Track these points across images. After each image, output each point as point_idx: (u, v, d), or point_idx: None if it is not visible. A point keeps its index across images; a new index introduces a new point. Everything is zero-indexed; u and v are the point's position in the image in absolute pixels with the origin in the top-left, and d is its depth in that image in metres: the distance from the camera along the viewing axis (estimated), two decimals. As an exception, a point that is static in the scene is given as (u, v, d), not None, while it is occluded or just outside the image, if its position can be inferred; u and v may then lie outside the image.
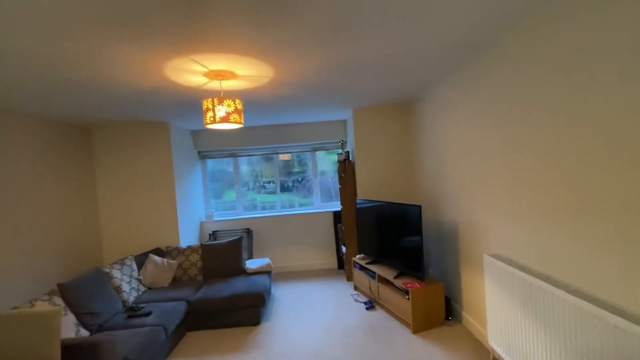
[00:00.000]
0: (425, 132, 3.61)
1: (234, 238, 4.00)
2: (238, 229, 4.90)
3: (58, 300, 2.49)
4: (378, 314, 3.31)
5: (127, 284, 3.23)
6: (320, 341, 2.86)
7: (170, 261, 3.76)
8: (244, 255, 4.40)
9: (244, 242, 4.63)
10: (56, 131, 3.53)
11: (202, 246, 3.92)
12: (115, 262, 3.30)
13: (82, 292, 2.70)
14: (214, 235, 4.78)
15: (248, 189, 5.24)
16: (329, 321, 3.22)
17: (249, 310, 3.25)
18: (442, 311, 3.00)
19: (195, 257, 3.86)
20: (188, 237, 4.39)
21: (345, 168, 4.25)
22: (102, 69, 2.14)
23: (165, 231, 4.12)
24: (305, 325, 3.19)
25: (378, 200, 3.92)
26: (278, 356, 2.67)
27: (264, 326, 3.24)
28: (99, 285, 2.89)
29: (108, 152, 4.10)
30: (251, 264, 3.94)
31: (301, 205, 5.24)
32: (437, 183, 3.35)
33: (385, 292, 3.32)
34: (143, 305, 3.02)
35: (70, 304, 2.57)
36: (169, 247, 4.00)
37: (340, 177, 4.31)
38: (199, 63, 2.16)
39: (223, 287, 3.39)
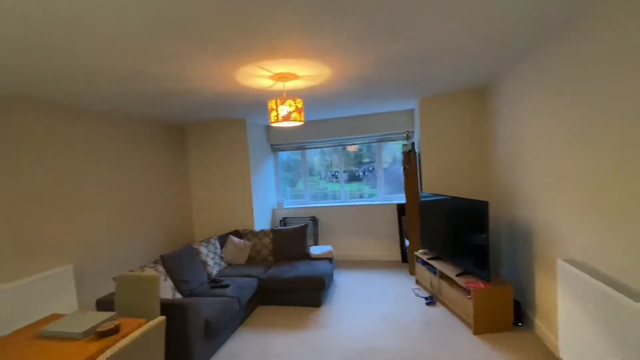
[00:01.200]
0: (499, 122, 3.30)
1: (301, 225, 4.31)
2: (305, 216, 5.23)
3: (160, 268, 3.11)
4: (438, 310, 3.24)
5: (212, 260, 3.81)
6: (376, 329, 2.96)
7: (246, 242, 4.28)
8: (309, 241, 4.70)
9: (310, 229, 4.94)
10: (159, 131, 4.29)
11: (273, 231, 4.33)
12: (203, 241, 3.92)
13: (178, 263, 3.30)
14: (284, 221, 5.21)
15: (320, 178, 5.50)
16: (387, 311, 3.28)
17: (311, 292, 3.52)
18: (510, 315, 2.78)
19: (267, 240, 4.30)
20: (261, 221, 4.89)
21: (410, 160, 4.15)
22: (187, 80, 2.55)
23: (242, 216, 4.66)
24: (362, 311, 3.31)
25: (443, 194, 3.75)
26: (335, 337, 2.87)
27: (324, 308, 3.47)
28: (190, 259, 3.49)
29: (197, 147, 4.79)
30: (315, 250, 4.20)
31: (370, 195, 5.30)
32: (512, 179, 3.05)
33: (446, 289, 3.22)
34: (223, 278, 3.54)
35: (168, 272, 3.18)
36: (245, 230, 4.54)
37: (404, 169, 4.23)
38: (264, 68, 2.40)
39: (289, 269, 3.73)
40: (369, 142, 5.16)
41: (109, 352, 1.32)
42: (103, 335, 1.72)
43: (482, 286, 2.80)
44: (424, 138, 4.04)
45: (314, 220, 5.12)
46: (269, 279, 3.58)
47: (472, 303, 2.76)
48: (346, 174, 5.38)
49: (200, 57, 2.08)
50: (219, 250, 4.05)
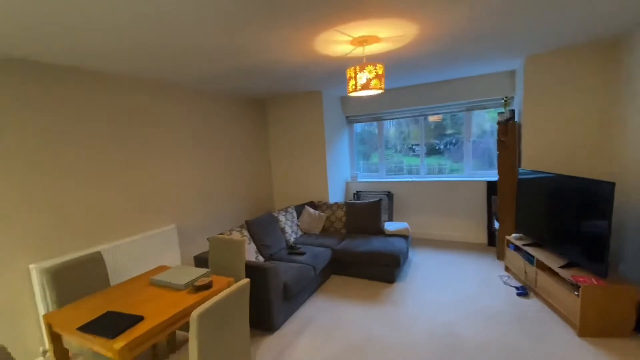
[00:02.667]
0: (636, 85, 2.55)
1: (374, 200, 4.20)
2: (379, 191, 5.08)
3: (245, 232, 3.39)
4: (532, 303, 2.86)
5: (289, 228, 4.01)
6: (455, 314, 2.76)
7: (321, 213, 4.37)
8: (383, 217, 4.57)
9: (384, 204, 4.79)
10: (243, 106, 4.54)
11: (347, 204, 4.32)
12: (282, 210, 4.13)
13: (260, 229, 3.55)
14: (357, 194, 5.16)
15: (395, 151, 5.23)
16: (468, 297, 3.03)
17: (384, 268, 3.45)
18: (631, 320, 2.29)
19: (340, 213, 4.32)
20: (335, 194, 4.91)
21: (507, 130, 3.59)
22: (268, 52, 2.56)
23: (317, 188, 4.75)
24: (440, 294, 3.13)
25: (550, 171, 3.17)
26: (410, 316, 2.78)
27: (397, 285, 3.39)
28: (271, 226, 3.72)
29: (276, 121, 4.95)
30: (389, 226, 4.07)
31: (452, 171, 4.85)
32: (653, 153, 2.38)
33: (545, 281, 2.79)
34: (300, 246, 3.71)
35: (252, 236, 3.45)
36: (320, 201, 4.63)
37: (499, 142, 3.69)
38: (344, 33, 2.25)
39: (362, 242, 3.70)
40: (456, 111, 4.62)
41: (204, 306, 1.47)
42: (199, 289, 1.95)
43: (595, 282, 2.34)
44: (528, 105, 3.41)
45: (389, 195, 4.93)
46: (343, 251, 3.62)
47: (579, 300, 2.34)
48: (425, 147, 4.97)
49: (281, 27, 2.03)
50: (295, 220, 4.23)
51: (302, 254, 3.47)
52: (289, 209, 4.23)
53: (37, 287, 2.32)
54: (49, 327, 1.78)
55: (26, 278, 2.32)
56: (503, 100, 3.96)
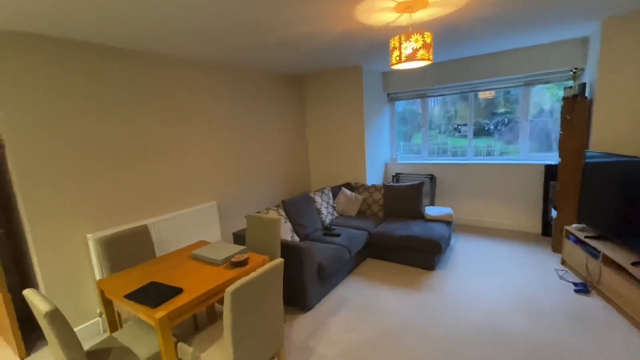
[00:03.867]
0: None
1: (415, 182, 3.98)
2: (421, 173, 4.82)
3: (281, 212, 3.40)
4: (593, 301, 2.56)
5: (325, 209, 3.96)
6: (500, 306, 2.56)
7: (357, 195, 4.26)
8: (425, 201, 4.35)
9: (426, 188, 4.54)
10: (281, 83, 4.47)
11: (385, 186, 4.16)
12: (317, 190, 4.08)
13: (296, 208, 3.55)
14: (397, 177, 4.94)
15: (439, 132, 4.89)
16: (517, 290, 2.79)
17: (424, 254, 3.29)
18: None
19: (377, 195, 4.18)
20: (373, 176, 4.75)
21: (575, 107, 3.15)
22: (307, 24, 2.41)
23: (354, 169, 4.62)
24: (485, 284, 2.92)
25: (628, 155, 2.74)
26: (449, 305, 2.63)
27: (437, 273, 3.22)
28: (306, 206, 3.70)
29: (314, 98, 4.83)
30: (431, 211, 3.86)
31: (503, 153, 4.44)
32: None
33: (611, 278, 2.47)
34: (335, 227, 3.66)
35: (288, 216, 3.46)
36: (357, 183, 4.51)
37: (564, 121, 3.26)
38: (387, -3, 2.04)
39: (400, 226, 3.55)
40: (512, 87, 4.15)
41: (238, 283, 1.47)
42: (236, 265, 1.97)
43: (680, 286, 2.01)
44: (604, 77, 2.93)
45: (432, 178, 4.66)
46: (379, 234, 3.51)
47: (657, 305, 2.03)
48: (473, 127, 4.57)
49: (317, -9, 1.89)
50: (331, 201, 4.17)
51: (337, 235, 3.42)
52: (325, 190, 4.17)
53: (93, 255, 2.53)
54: (102, 292, 1.92)
55: (84, 246, 2.53)
56: (572, 73, 3.45)
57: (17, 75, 2.17)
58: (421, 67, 4.54)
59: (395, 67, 2.34)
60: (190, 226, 3.20)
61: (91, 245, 2.51)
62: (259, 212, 3.14)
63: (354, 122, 4.48)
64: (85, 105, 2.51)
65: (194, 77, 3.30)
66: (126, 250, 2.37)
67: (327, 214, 3.95)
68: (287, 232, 3.23)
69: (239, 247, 2.20)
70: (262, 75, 4.15)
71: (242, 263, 1.99)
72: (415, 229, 3.45)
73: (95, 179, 2.58)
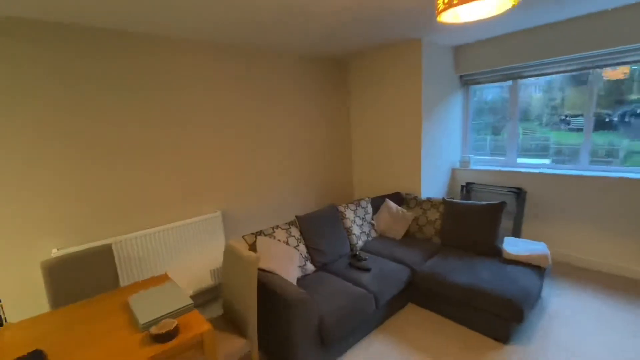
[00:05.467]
0: None
1: (492, 202, 2.77)
2: (504, 185, 3.48)
3: (295, 231, 2.64)
4: None
5: (358, 227, 3.06)
6: None
7: (406, 212, 3.22)
8: (505, 224, 3.10)
9: (509, 208, 3.24)
10: (318, 68, 3.64)
11: (445, 202, 3.03)
12: (351, 202, 3.19)
13: (316, 227, 2.74)
14: (466, 188, 3.69)
15: (540, 124, 3.45)
16: None
17: (494, 318, 2.16)
18: None
19: (434, 214, 3.08)
20: (432, 186, 3.61)
21: None
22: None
23: (406, 175, 3.56)
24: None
25: None
26: None
27: (512, 349, 2.08)
28: (331, 223, 2.86)
29: (359, 86, 3.88)
30: (513, 245, 2.62)
31: (630, 154, 2.88)
32: None
33: None
34: (366, 256, 2.74)
35: (304, 236, 2.68)
36: (408, 194, 3.46)
37: None
38: None
39: (461, 267, 2.46)
40: (675, 56, 2.55)
41: None
42: (156, 339, 1.29)
43: None
44: None
45: (519, 193, 3.30)
46: (427, 276, 2.48)
47: None
48: (592, 118, 3.04)
49: None
50: (369, 216, 3.23)
51: (366, 269, 2.51)
52: (362, 202, 3.25)
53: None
54: None
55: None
56: None
57: None
58: (509, 37, 3.18)
59: (444, 18, 1.32)
60: (187, 240, 2.69)
61: (54, 262, 2.14)
62: (260, 233, 2.44)
63: (408, 114, 3.41)
64: (56, 94, 2.11)
65: (195, 59, 2.72)
66: (79, 277, 1.92)
67: (360, 235, 3.04)
68: (296, 259, 2.46)
69: (183, 301, 1.52)
70: (290, 59, 3.39)
71: (166, 337, 1.30)
72: (483, 274, 2.32)
73: (74, 184, 2.21)
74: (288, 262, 2.34)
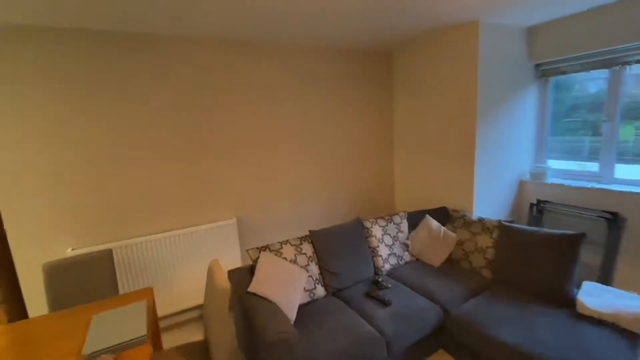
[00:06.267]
0: None
1: (567, 232, 2.07)
2: (593, 207, 2.62)
3: (307, 248, 2.34)
4: None
5: (387, 248, 2.61)
6: None
7: (450, 233, 2.66)
8: (588, 258, 2.34)
9: (596, 239, 2.44)
10: (358, 61, 3.25)
11: (502, 226, 2.39)
12: (380, 217, 2.74)
13: (332, 245, 2.40)
14: (537, 207, 2.90)
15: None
16: None
17: (553, 398, 1.56)
18: None
19: (485, 240, 2.45)
20: (489, 201, 2.92)
21: None
22: None
23: (455, 186, 2.95)
24: None
25: None
26: None
27: None
28: (353, 241, 2.48)
29: (404, 80, 3.36)
30: (595, 295, 1.90)
31: None
32: None
33: None
34: (389, 285, 2.29)
35: (317, 255, 2.36)
36: (456, 211, 2.86)
37: None
38: None
39: (513, 316, 1.86)
40: None
41: None
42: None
43: None
44: None
45: (613, 219, 2.44)
46: (464, 323, 1.94)
47: None
48: None
49: None
50: (403, 235, 2.74)
51: (385, 303, 2.08)
52: (396, 217, 2.78)
53: (72, 272, 2.23)
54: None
55: (70, 259, 2.27)
56: None
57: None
58: (605, 10, 2.33)
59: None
60: (199, 247, 2.60)
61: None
62: (265, 248, 2.20)
63: (460, 113, 2.80)
64: (76, 95, 2.17)
65: (216, 58, 2.59)
66: (77, 281, 1.92)
67: (388, 257, 2.59)
68: (302, 281, 2.15)
69: (137, 333, 1.34)
70: (326, 54, 3.06)
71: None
72: (544, 333, 1.71)
73: (93, 185, 2.27)
74: (290, 285, 2.05)
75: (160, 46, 2.37)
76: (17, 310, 2.15)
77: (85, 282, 1.94)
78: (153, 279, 2.42)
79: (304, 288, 2.18)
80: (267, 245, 2.24)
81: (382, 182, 3.65)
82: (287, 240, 2.34)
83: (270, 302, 1.86)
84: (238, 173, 2.80)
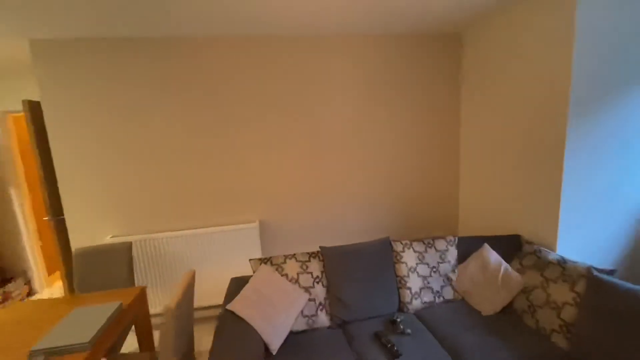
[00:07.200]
0: None
1: None
2: None
3: (314, 266, 2.04)
4: None
5: (420, 280, 2.08)
6: None
7: (513, 273, 1.95)
8: None
9: None
10: (416, 46, 2.73)
11: (592, 279, 1.60)
12: (418, 240, 2.21)
13: (346, 267, 2.03)
14: (678, 252, 1.87)
15: None
16: None
17: None
18: None
19: (564, 293, 1.69)
20: (581, 236, 2.01)
21: None
22: None
23: (534, 208, 2.16)
24: None
25: None
26: None
27: None
28: (376, 266, 2.06)
29: (476, 68, 2.65)
30: None
31: None
32: None
33: None
34: (409, 331, 1.80)
35: (327, 275, 2.03)
36: (530, 242, 2.10)
37: None
38: None
39: None
40: None
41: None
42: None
43: None
44: None
45: None
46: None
47: None
48: None
49: None
50: (447, 266, 2.15)
51: (394, 355, 1.63)
52: (441, 242, 2.21)
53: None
54: None
55: (112, 245, 2.54)
56: None
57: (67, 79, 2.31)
58: None
59: None
60: (228, 246, 2.58)
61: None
62: (267, 260, 2.01)
63: (547, 108, 2.02)
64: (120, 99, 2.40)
65: (228, 57, 2.50)
66: (99, 269, 2.11)
67: (420, 291, 2.06)
68: (300, 304, 1.87)
69: (83, 338, 1.31)
70: (379, 40, 2.66)
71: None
72: None
73: (127, 179, 2.49)
74: (282, 308, 1.80)
75: (202, 48, 2.41)
76: (71, 285, 2.51)
77: (105, 270, 2.11)
78: (175, 274, 2.51)
79: (302, 313, 1.90)
80: (270, 258, 2.04)
81: (443, 196, 3.01)
82: (294, 254, 2.08)
83: (247, 325, 1.65)
84: (268, 175, 2.67)
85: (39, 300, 1.81)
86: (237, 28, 2.30)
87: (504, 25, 2.30)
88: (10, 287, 3.12)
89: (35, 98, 2.49)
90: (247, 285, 1.86)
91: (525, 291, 1.87)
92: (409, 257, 2.12)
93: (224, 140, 2.56)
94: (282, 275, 1.96)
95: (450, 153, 2.95)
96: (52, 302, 1.77)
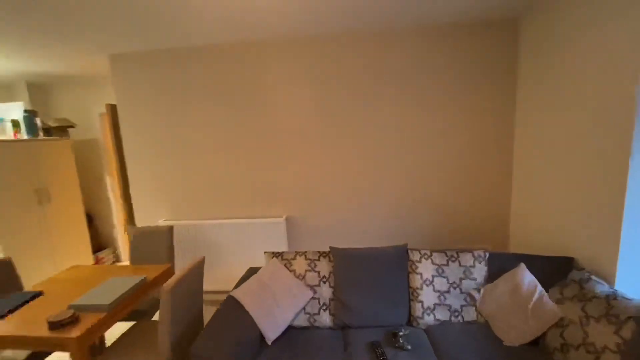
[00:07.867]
0: None
1: None
2: None
3: (323, 266, 2.04)
4: None
5: (436, 295, 1.90)
6: None
7: (548, 302, 1.64)
8: None
9: None
10: (465, 35, 2.49)
11: (649, 322, 1.25)
12: (439, 251, 2.02)
13: (355, 271, 1.99)
14: None
15: None
16: None
17: None
18: None
19: (606, 336, 1.36)
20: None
21: None
22: None
23: (595, 234, 1.77)
24: None
25: None
26: None
27: None
28: (387, 273, 1.97)
29: (537, 58, 2.27)
30: None
31: None
32: None
33: None
34: (409, 347, 1.67)
35: (335, 274, 2.02)
36: (582, 269, 1.73)
37: None
38: None
39: None
40: None
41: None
42: (52, 326, 1.45)
43: None
44: None
45: None
46: None
47: None
48: None
49: None
50: (472, 283, 1.92)
51: (386, 369, 1.55)
52: (468, 255, 1.99)
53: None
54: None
55: (165, 228, 2.95)
56: None
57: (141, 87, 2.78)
58: None
59: None
60: (256, 238, 2.77)
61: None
62: (279, 255, 2.09)
63: (612, 106, 1.63)
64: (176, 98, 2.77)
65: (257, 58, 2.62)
66: (146, 247, 2.48)
67: (434, 307, 1.89)
68: (302, 301, 1.91)
69: (105, 300, 1.58)
70: (423, 30, 2.51)
71: (57, 325, 1.43)
72: None
73: (177, 171, 2.86)
74: (282, 301, 1.86)
75: (245, 55, 2.63)
76: (134, 256, 3.00)
77: (151, 248, 2.47)
78: (208, 257, 2.80)
79: (304, 310, 1.93)
80: (282, 253, 2.12)
81: (492, 206, 2.67)
82: (305, 252, 2.12)
83: (246, 312, 1.76)
84: (301, 171, 2.76)
85: (98, 266, 2.24)
86: (263, 32, 2.42)
87: (577, 3, 1.91)
88: (102, 253, 3.90)
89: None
90: (254, 276, 1.97)
91: (560, 325, 1.56)
92: (425, 269, 1.96)
93: (262, 142, 2.73)
94: (290, 271, 2.03)
95: (502, 160, 2.60)
96: (106, 268, 2.17)
